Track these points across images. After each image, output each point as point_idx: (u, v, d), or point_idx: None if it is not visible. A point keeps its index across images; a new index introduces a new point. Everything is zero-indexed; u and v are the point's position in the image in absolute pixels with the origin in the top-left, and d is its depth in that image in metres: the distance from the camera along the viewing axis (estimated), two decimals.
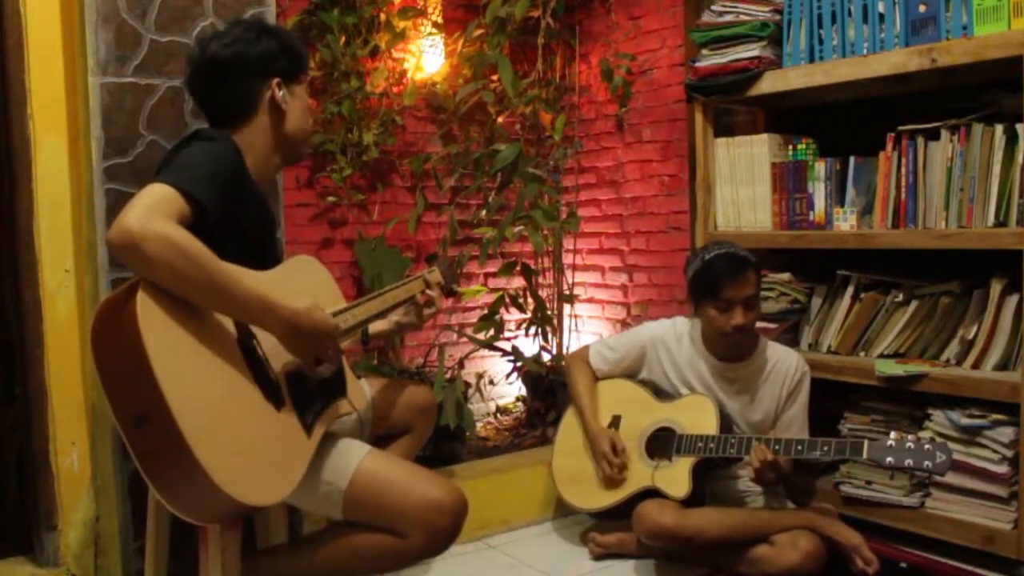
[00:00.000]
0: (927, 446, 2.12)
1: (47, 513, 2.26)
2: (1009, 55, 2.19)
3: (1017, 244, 2.23)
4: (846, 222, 2.65)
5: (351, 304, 1.90)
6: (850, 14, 2.56)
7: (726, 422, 2.41)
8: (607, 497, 2.50)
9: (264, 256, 1.78)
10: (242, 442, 1.51)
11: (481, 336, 3.38)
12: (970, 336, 2.43)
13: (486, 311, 3.41)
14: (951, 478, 2.35)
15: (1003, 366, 2.37)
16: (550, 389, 3.45)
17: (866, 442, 2.19)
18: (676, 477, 2.37)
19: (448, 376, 3.15)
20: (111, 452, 2.14)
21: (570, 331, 3.91)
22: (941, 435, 2.37)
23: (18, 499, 2.35)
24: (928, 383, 2.39)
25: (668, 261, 3.55)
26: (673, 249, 3.51)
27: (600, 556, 2.57)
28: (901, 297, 2.59)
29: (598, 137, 3.84)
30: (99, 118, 2.08)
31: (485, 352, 3.66)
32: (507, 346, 3.50)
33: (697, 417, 2.42)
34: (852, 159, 2.67)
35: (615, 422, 2.57)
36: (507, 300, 3.44)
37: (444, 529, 1.73)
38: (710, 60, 2.85)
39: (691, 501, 2.35)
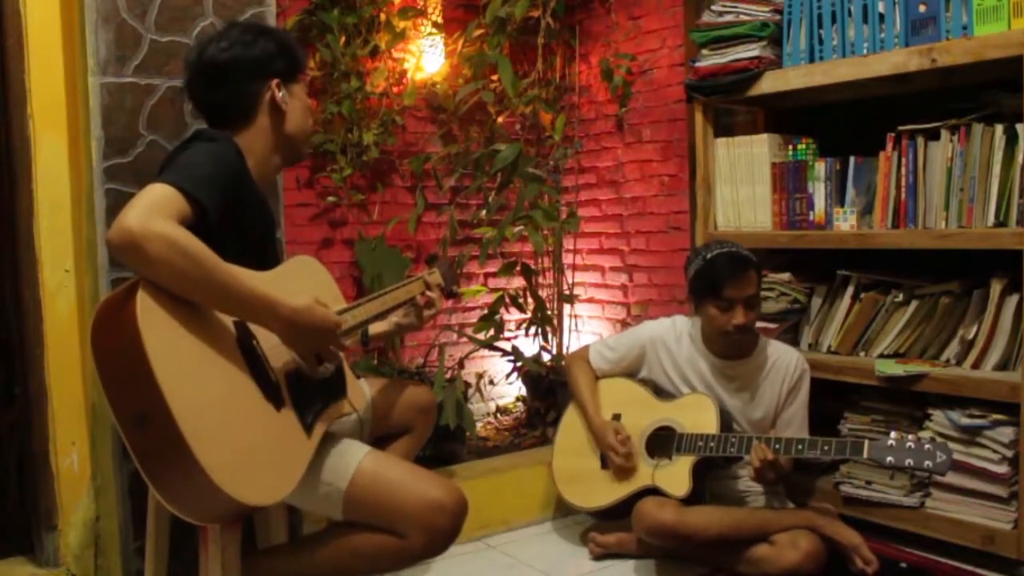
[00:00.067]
0: (927, 446, 2.12)
1: (47, 513, 2.26)
2: (1009, 55, 2.19)
3: (1017, 244, 2.23)
4: (846, 222, 2.65)
5: (351, 305, 1.90)
6: (850, 14, 2.56)
7: (726, 421, 2.41)
8: (607, 496, 2.50)
9: (264, 256, 1.78)
10: (242, 442, 1.51)
11: (481, 336, 3.38)
12: (970, 336, 2.43)
13: (486, 311, 3.41)
14: (951, 478, 2.35)
15: (1003, 366, 2.37)
16: (550, 389, 3.45)
17: (866, 442, 2.19)
18: (676, 476, 2.37)
19: (448, 376, 3.15)
20: (111, 452, 2.15)
21: (570, 331, 3.91)
22: (941, 435, 2.37)
23: (18, 499, 2.35)
24: (928, 383, 2.39)
25: (668, 261, 3.55)
26: (673, 249, 3.51)
27: (600, 556, 2.57)
28: (901, 297, 2.60)
29: (598, 137, 3.84)
30: (99, 118, 2.08)
31: (485, 352, 3.66)
32: (507, 346, 3.50)
33: (697, 416, 2.42)
34: (852, 159, 2.67)
35: (615, 420, 2.56)
36: (507, 300, 3.44)
37: (444, 529, 1.73)
38: (710, 60, 2.85)
39: (691, 500, 2.35)
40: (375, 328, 2.14)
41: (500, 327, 3.40)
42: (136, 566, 2.10)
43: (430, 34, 3.55)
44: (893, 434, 2.19)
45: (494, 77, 3.56)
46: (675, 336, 2.57)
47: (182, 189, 1.52)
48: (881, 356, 2.60)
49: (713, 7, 2.87)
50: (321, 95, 3.27)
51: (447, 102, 3.62)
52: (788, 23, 2.71)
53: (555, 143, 3.86)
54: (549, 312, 3.63)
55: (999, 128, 2.31)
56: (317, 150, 3.27)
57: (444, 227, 3.61)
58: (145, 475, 1.45)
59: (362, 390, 2.04)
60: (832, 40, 2.62)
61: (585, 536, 2.67)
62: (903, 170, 2.50)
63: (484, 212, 3.60)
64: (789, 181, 2.79)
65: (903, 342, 2.58)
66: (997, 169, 2.31)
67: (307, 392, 1.72)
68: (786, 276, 2.80)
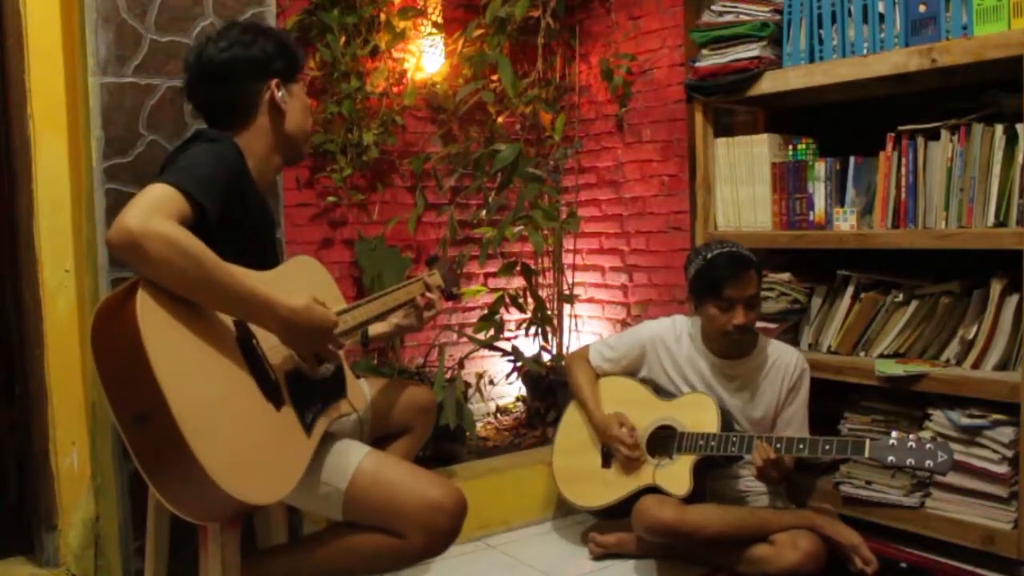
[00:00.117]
0: (928, 445, 2.12)
1: (47, 513, 2.26)
2: (1009, 55, 2.19)
3: (1017, 244, 2.23)
4: (846, 222, 2.65)
5: (351, 305, 1.90)
6: (850, 14, 2.56)
7: (727, 420, 2.41)
8: (608, 495, 2.50)
9: (264, 256, 1.78)
10: (242, 441, 1.51)
11: (481, 336, 3.38)
12: (970, 336, 2.43)
13: (486, 311, 3.41)
14: (951, 478, 2.35)
15: (1003, 366, 2.37)
16: (550, 389, 3.45)
17: (868, 441, 2.19)
18: (677, 475, 2.37)
19: (448, 376, 3.15)
20: (111, 452, 2.15)
21: (570, 331, 3.92)
22: (941, 435, 2.37)
23: (18, 499, 2.35)
24: (928, 383, 2.39)
25: (668, 261, 3.55)
26: (673, 249, 3.51)
27: (600, 556, 2.57)
28: (901, 297, 2.59)
29: (598, 137, 3.84)
30: (99, 118, 2.08)
31: (485, 352, 3.66)
32: (507, 346, 3.50)
33: (698, 415, 2.42)
34: (852, 159, 2.67)
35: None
36: (507, 300, 3.44)
37: (444, 529, 1.73)
38: (710, 60, 2.85)
39: (692, 500, 2.35)
40: (375, 329, 2.14)
41: (500, 327, 3.40)
42: (136, 566, 2.10)
43: (430, 34, 3.55)
44: (894, 434, 2.19)
45: (494, 77, 3.56)
46: (675, 336, 2.57)
47: (182, 189, 1.52)
48: (881, 356, 2.60)
49: (713, 7, 2.87)
50: (321, 95, 3.27)
51: (447, 102, 3.62)
52: (788, 23, 2.71)
53: (555, 143, 3.86)
54: (549, 312, 3.64)
55: (999, 128, 2.31)
56: (317, 150, 3.27)
57: (444, 227, 3.62)
58: (145, 474, 1.45)
59: (362, 390, 2.04)
60: (832, 40, 2.62)
61: (585, 536, 2.67)
62: (903, 170, 2.50)
63: (484, 212, 3.60)
64: (789, 181, 2.79)
65: (903, 342, 2.58)
66: (997, 169, 2.31)
67: (307, 391, 1.72)
68: (786, 276, 2.80)
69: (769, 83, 2.73)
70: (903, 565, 2.40)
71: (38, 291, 2.23)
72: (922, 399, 2.47)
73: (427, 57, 3.54)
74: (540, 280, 3.79)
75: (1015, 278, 2.30)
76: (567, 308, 3.91)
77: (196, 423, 1.41)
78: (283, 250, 2.34)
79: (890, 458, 2.15)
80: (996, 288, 2.37)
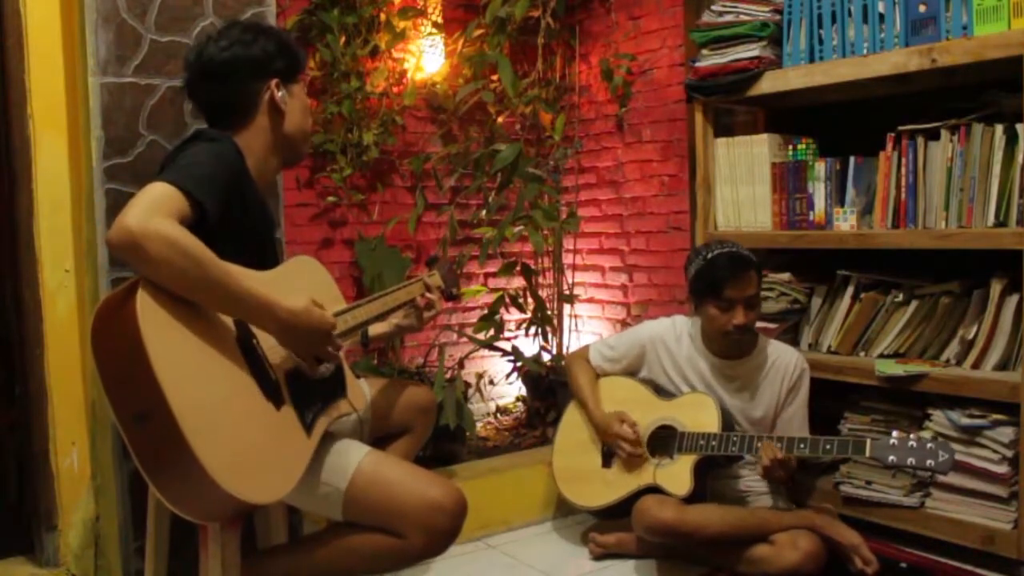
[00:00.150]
0: (929, 445, 2.12)
1: (47, 513, 2.26)
2: (1009, 55, 2.19)
3: (1017, 244, 2.23)
4: (846, 222, 2.65)
5: (350, 306, 1.90)
6: (850, 14, 2.56)
7: (727, 420, 2.41)
8: (608, 495, 2.50)
9: (264, 256, 1.78)
10: (242, 440, 1.51)
11: (481, 336, 3.38)
12: (970, 336, 2.43)
13: (486, 311, 3.41)
14: (951, 478, 2.35)
15: (1003, 366, 2.37)
16: (550, 389, 3.45)
17: (869, 441, 2.19)
18: (678, 475, 2.37)
19: (448, 376, 3.15)
20: (111, 452, 2.15)
21: (570, 331, 3.92)
22: (941, 435, 2.37)
23: (18, 499, 2.35)
24: (928, 383, 2.39)
25: (668, 261, 3.55)
26: (673, 249, 3.51)
27: (600, 556, 2.57)
28: (901, 297, 2.59)
29: (598, 137, 3.84)
30: (99, 118, 2.08)
31: (485, 352, 3.66)
32: (507, 346, 3.50)
33: (698, 415, 2.42)
34: (852, 159, 2.67)
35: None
36: (507, 300, 3.44)
37: (444, 529, 1.73)
38: (710, 60, 2.85)
39: (692, 499, 2.35)
40: (375, 329, 2.14)
41: (500, 327, 3.40)
42: (136, 566, 2.10)
43: (430, 34, 3.55)
44: (895, 433, 2.19)
45: (494, 77, 3.56)
46: (675, 336, 2.57)
47: (183, 188, 1.52)
48: (881, 356, 2.60)
49: (713, 7, 2.87)
50: (321, 95, 3.27)
51: (447, 102, 3.62)
52: (788, 23, 2.71)
53: (555, 143, 3.86)
54: (549, 312, 3.64)
55: (999, 128, 2.31)
56: (317, 150, 3.27)
57: (444, 227, 3.61)
58: (145, 474, 1.45)
59: (362, 390, 2.04)
60: (832, 40, 2.62)
61: (585, 536, 2.67)
62: (903, 170, 2.50)
63: (484, 212, 3.60)
64: (789, 181, 2.79)
65: (903, 342, 2.58)
66: (997, 169, 2.31)
67: (307, 391, 1.72)
68: (786, 276, 2.80)
69: (769, 83, 2.73)
70: (903, 565, 2.40)
71: (38, 291, 2.23)
72: (922, 399, 2.47)
73: (427, 57, 3.54)
74: (540, 280, 3.79)
75: (1015, 278, 2.30)
76: (567, 308, 3.91)
77: (196, 422, 1.41)
78: (283, 250, 2.34)
79: (891, 458, 2.15)
80: (996, 288, 2.37)
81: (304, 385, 1.72)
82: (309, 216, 3.37)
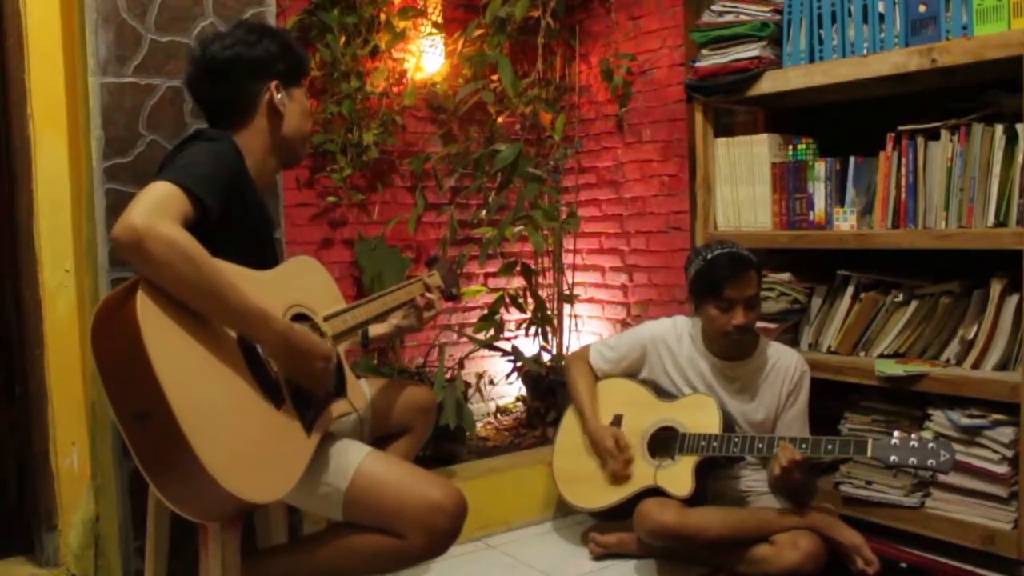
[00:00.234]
0: (931, 444, 2.12)
1: (47, 513, 2.26)
2: (1009, 55, 2.19)
3: (1017, 244, 2.23)
4: (846, 222, 2.65)
5: (350, 306, 1.90)
6: (850, 14, 2.56)
7: (728, 421, 2.41)
8: (608, 496, 2.50)
9: (264, 256, 1.78)
10: (242, 439, 1.51)
11: (481, 336, 3.38)
12: (970, 336, 2.43)
13: (486, 311, 3.41)
14: (951, 478, 2.35)
15: (1003, 366, 2.37)
16: (550, 389, 3.45)
17: (870, 441, 2.19)
18: (679, 476, 2.37)
19: (448, 376, 3.15)
20: (111, 452, 2.15)
21: (570, 331, 3.91)
22: (941, 435, 2.37)
23: (18, 499, 2.35)
24: (928, 383, 2.39)
25: (668, 261, 3.55)
26: (673, 249, 3.51)
27: (600, 556, 2.57)
28: (901, 297, 2.59)
29: (598, 137, 3.84)
30: (99, 118, 2.08)
31: (485, 352, 3.66)
32: (507, 346, 3.50)
33: (699, 416, 2.42)
34: (852, 159, 2.67)
35: (617, 422, 2.57)
36: (507, 300, 3.44)
37: (444, 530, 1.73)
38: (710, 60, 2.85)
39: (693, 501, 2.35)
40: (375, 330, 2.14)
41: (500, 327, 3.40)
42: (136, 566, 2.10)
43: (430, 34, 3.55)
44: (896, 433, 2.20)
45: (494, 77, 3.56)
46: (676, 336, 2.57)
47: (184, 187, 1.52)
48: (881, 356, 2.60)
49: (713, 7, 2.87)
50: (321, 95, 3.27)
51: (447, 102, 3.62)
52: (788, 23, 2.71)
53: (555, 143, 3.86)
54: (549, 312, 3.63)
55: (999, 128, 2.31)
56: (317, 150, 3.27)
57: (444, 227, 3.61)
58: (145, 473, 1.45)
59: (362, 390, 2.04)
60: (832, 40, 2.62)
61: (585, 536, 2.67)
62: (903, 170, 2.50)
63: (484, 212, 3.60)
64: (789, 181, 2.79)
65: (903, 342, 2.58)
66: (997, 169, 2.31)
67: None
68: (786, 276, 2.80)
69: (769, 83, 2.73)
70: (903, 565, 2.40)
71: (38, 291, 2.23)
72: (922, 399, 2.47)
73: (427, 57, 3.54)
74: (540, 280, 3.79)
75: (1015, 278, 2.30)
76: (567, 308, 3.91)
77: (196, 421, 1.41)
78: (283, 250, 2.34)
79: (892, 458, 2.15)
80: (996, 288, 2.37)
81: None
82: (309, 216, 3.37)
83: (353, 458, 1.76)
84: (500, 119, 3.71)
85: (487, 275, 3.86)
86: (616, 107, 3.69)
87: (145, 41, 2.13)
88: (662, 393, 2.55)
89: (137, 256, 1.43)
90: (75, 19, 2.12)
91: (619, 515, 2.49)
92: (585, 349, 2.74)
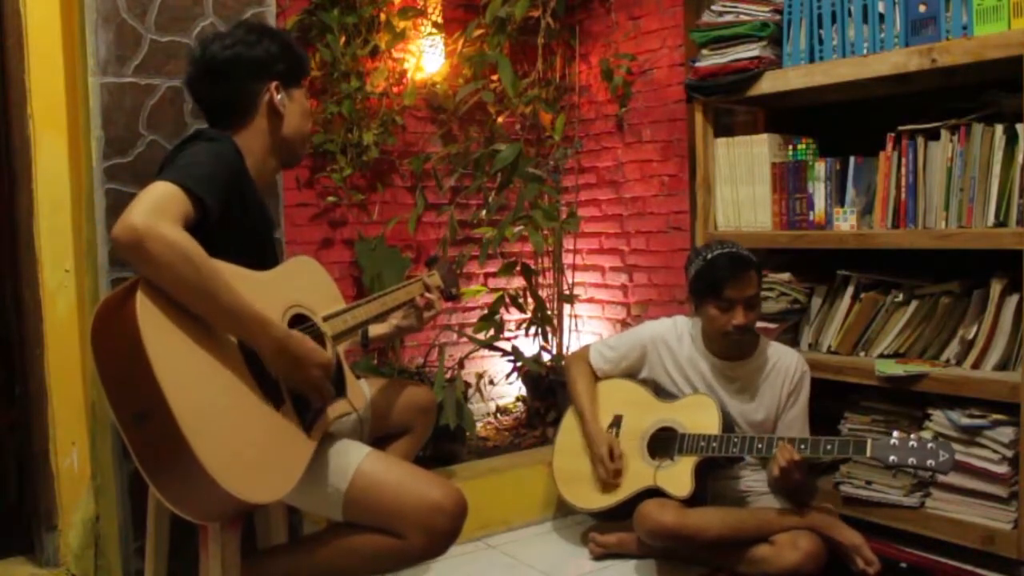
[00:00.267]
0: (930, 444, 2.12)
1: (47, 513, 2.26)
2: (1009, 55, 2.19)
3: (1017, 244, 2.23)
4: (846, 222, 2.65)
5: (349, 306, 1.90)
6: (850, 14, 2.56)
7: (728, 422, 2.41)
8: (608, 497, 2.50)
9: (264, 256, 1.78)
10: (242, 440, 1.51)
11: (481, 336, 3.38)
12: (970, 336, 2.43)
13: (486, 311, 3.41)
14: (951, 478, 2.35)
15: (1003, 366, 2.37)
16: (550, 389, 3.45)
17: (870, 441, 2.19)
18: (678, 476, 2.37)
19: (448, 376, 3.15)
20: (111, 452, 2.15)
21: (570, 331, 3.91)
22: (941, 435, 2.37)
23: (18, 499, 2.35)
24: (928, 383, 2.39)
25: (668, 261, 3.55)
26: (673, 249, 3.51)
27: (600, 556, 2.57)
28: (901, 297, 2.59)
29: (598, 137, 3.84)
30: (99, 118, 2.08)
31: (485, 352, 3.66)
32: (507, 346, 3.50)
33: (699, 417, 2.42)
34: (852, 159, 2.67)
35: (616, 422, 2.57)
36: (507, 300, 3.44)
37: (444, 530, 1.73)
38: (710, 60, 2.85)
39: (692, 501, 2.35)
40: (374, 330, 2.14)
41: (500, 327, 3.40)
42: (136, 566, 2.10)
43: (430, 34, 3.55)
44: (896, 433, 2.20)
45: (494, 77, 3.56)
46: (676, 336, 2.57)
47: (184, 187, 1.52)
48: (881, 356, 2.60)
49: (713, 7, 2.87)
50: (321, 95, 3.27)
51: (447, 102, 3.62)
52: (788, 23, 2.71)
53: (555, 143, 3.86)
54: (549, 312, 3.63)
55: (999, 128, 2.31)
56: (317, 150, 3.27)
57: (444, 227, 3.61)
58: (145, 474, 1.45)
59: (362, 390, 2.04)
60: (832, 40, 2.62)
61: (585, 536, 2.67)
62: (903, 170, 2.50)
63: (484, 212, 3.60)
64: (789, 181, 2.79)
65: (903, 342, 2.58)
66: (997, 169, 2.31)
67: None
68: (786, 276, 2.80)
69: (769, 83, 2.73)
70: (903, 565, 2.40)
71: (38, 291, 2.23)
72: (922, 399, 2.47)
73: (427, 57, 3.54)
74: (540, 280, 3.79)
75: (1015, 278, 2.30)
76: (567, 308, 3.91)
77: (196, 422, 1.41)
78: (283, 250, 2.34)
79: (892, 457, 2.15)
80: (996, 288, 2.37)
81: None
82: (309, 216, 3.37)
83: (353, 458, 1.76)
84: (500, 119, 3.71)
85: (487, 275, 3.86)
86: (616, 107, 3.69)
87: (145, 41, 2.13)
88: (662, 393, 2.55)
89: (137, 256, 1.43)
90: (75, 19, 2.12)
91: (619, 515, 2.49)
92: (585, 349, 2.74)
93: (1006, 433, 2.26)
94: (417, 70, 3.53)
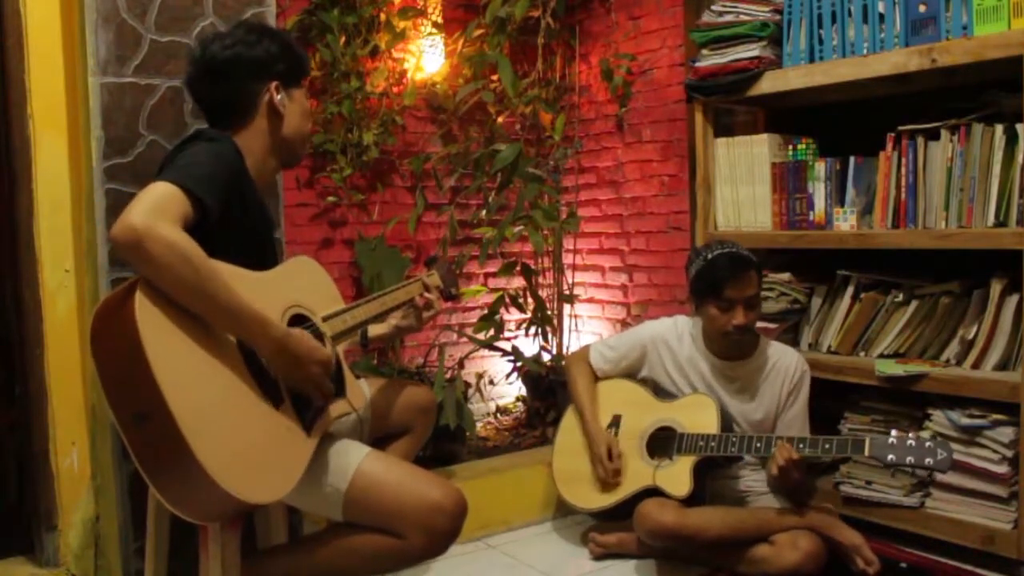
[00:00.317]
0: (928, 443, 2.12)
1: (47, 513, 2.26)
2: (1009, 55, 2.19)
3: (1017, 244, 2.23)
4: (846, 222, 2.65)
5: (348, 306, 1.90)
6: (850, 14, 2.56)
7: (727, 421, 2.41)
8: (608, 497, 2.50)
9: (264, 256, 1.78)
10: (241, 440, 1.51)
11: (481, 336, 3.38)
12: (970, 336, 2.43)
13: (486, 311, 3.41)
14: (951, 478, 2.35)
15: (1003, 366, 2.37)
16: (550, 389, 3.45)
17: (868, 440, 2.19)
18: (677, 476, 2.37)
19: (448, 376, 3.15)
20: (111, 452, 2.15)
21: (570, 331, 3.91)
22: (941, 435, 2.37)
23: (18, 499, 2.35)
24: (928, 383, 2.39)
25: (668, 261, 3.55)
26: (673, 249, 3.51)
27: (600, 556, 2.57)
28: (901, 297, 2.59)
29: (598, 137, 3.84)
30: (99, 118, 2.08)
31: (485, 352, 3.66)
32: (507, 346, 3.50)
33: (698, 416, 2.42)
34: (852, 159, 2.67)
35: (616, 422, 2.57)
36: (507, 300, 3.44)
37: (444, 530, 1.73)
38: (710, 60, 2.85)
39: (691, 501, 2.35)
40: (374, 330, 2.14)
41: (500, 327, 3.40)
42: (136, 566, 2.10)
43: (430, 34, 3.55)
44: (894, 432, 2.20)
45: (494, 77, 3.56)
46: (676, 335, 2.57)
47: (184, 187, 1.52)
48: (881, 356, 2.60)
49: (713, 7, 2.87)
50: (321, 95, 3.27)
51: (447, 102, 3.62)
52: (788, 23, 2.71)
53: (555, 143, 3.86)
54: (549, 312, 3.63)
55: (999, 128, 2.31)
56: (317, 150, 3.27)
57: (444, 227, 3.61)
58: (145, 475, 1.45)
59: (361, 390, 2.04)
60: (832, 40, 2.62)
61: (585, 536, 2.67)
62: (903, 170, 2.50)
63: (484, 212, 3.60)
64: (789, 181, 2.79)
65: (903, 342, 2.58)
66: (997, 169, 2.31)
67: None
68: (786, 276, 2.80)
69: (769, 83, 2.73)
70: (903, 565, 2.40)
71: (38, 291, 2.23)
72: (922, 399, 2.47)
73: (427, 57, 3.54)
74: (540, 280, 3.79)
75: (1015, 278, 2.30)
76: (567, 308, 3.91)
77: (195, 422, 1.41)
78: (283, 250, 2.34)
79: (890, 456, 2.15)
80: (996, 288, 2.37)
81: None
82: (309, 216, 3.37)
83: (353, 458, 1.76)
84: (500, 119, 3.71)
85: (487, 275, 3.86)
86: (616, 107, 3.69)
87: (145, 41, 2.13)
88: (661, 393, 2.55)
89: (136, 256, 1.44)
90: (75, 19, 2.12)
91: (619, 515, 2.49)
92: (585, 349, 2.74)
93: (1006, 433, 2.26)
94: (417, 70, 3.53)
